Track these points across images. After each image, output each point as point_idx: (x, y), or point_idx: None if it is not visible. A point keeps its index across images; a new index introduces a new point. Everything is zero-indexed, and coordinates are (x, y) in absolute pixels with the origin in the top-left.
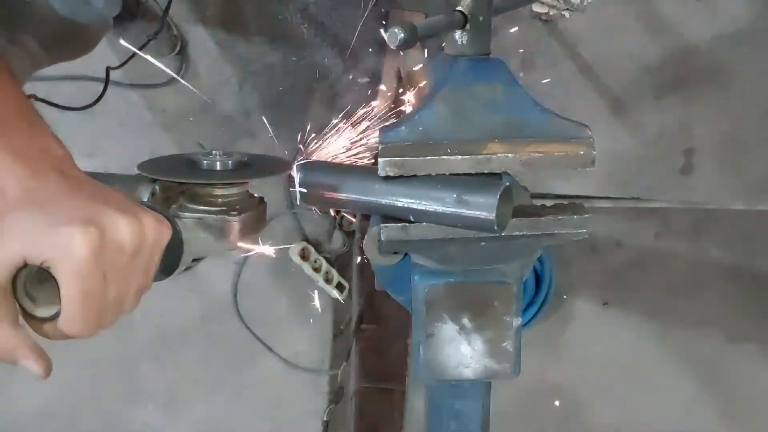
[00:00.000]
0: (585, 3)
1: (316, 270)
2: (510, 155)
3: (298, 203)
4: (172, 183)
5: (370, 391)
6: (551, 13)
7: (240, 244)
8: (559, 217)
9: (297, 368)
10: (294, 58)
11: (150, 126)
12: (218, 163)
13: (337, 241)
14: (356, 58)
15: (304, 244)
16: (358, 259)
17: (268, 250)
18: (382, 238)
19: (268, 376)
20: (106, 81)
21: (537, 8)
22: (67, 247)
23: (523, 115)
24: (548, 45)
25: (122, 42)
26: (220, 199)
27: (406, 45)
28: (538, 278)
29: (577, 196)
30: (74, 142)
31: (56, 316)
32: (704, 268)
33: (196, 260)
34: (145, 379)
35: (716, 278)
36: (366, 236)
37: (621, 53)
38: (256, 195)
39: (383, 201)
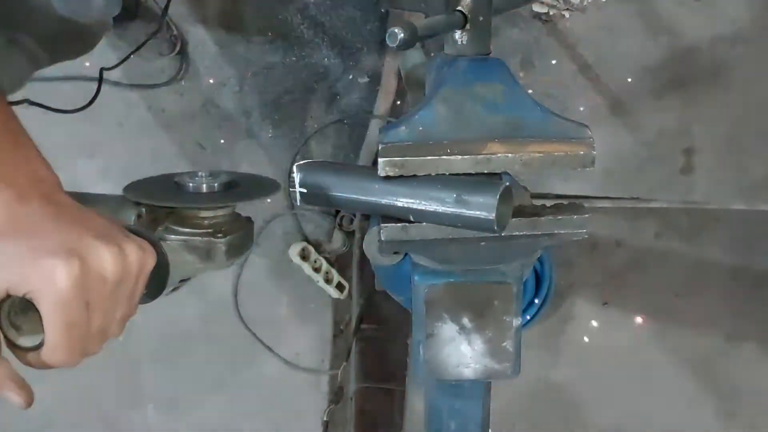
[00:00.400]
0: (585, 3)
1: (316, 270)
2: (510, 155)
3: (298, 203)
4: (160, 210)
5: (370, 391)
6: (551, 13)
7: (231, 264)
8: (559, 217)
9: (297, 368)
10: (294, 58)
11: (150, 126)
12: (204, 185)
13: (337, 241)
14: (356, 58)
15: (304, 244)
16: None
17: None
18: (382, 238)
19: (268, 376)
20: (100, 82)
21: (537, 8)
22: (49, 278)
23: (523, 115)
24: (548, 45)
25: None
26: (206, 221)
27: (406, 45)
28: (538, 278)
29: (577, 196)
30: (74, 142)
31: (40, 345)
32: (704, 268)
33: (183, 281)
34: (146, 380)
35: (716, 278)
36: (366, 236)
37: (621, 53)
38: (242, 215)
39: (383, 201)
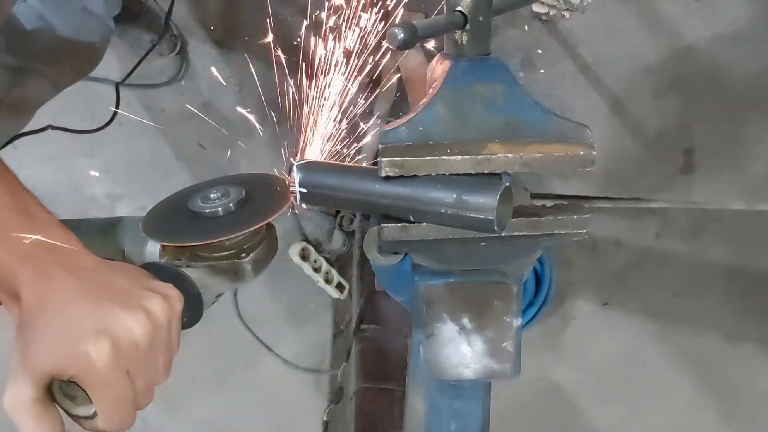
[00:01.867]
0: (585, 3)
1: (316, 270)
2: (510, 155)
3: (298, 203)
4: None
5: (370, 391)
6: (551, 13)
7: (259, 277)
8: (559, 217)
9: (297, 368)
10: (294, 58)
11: (149, 127)
12: (220, 208)
13: (337, 241)
14: (356, 58)
15: (304, 244)
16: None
17: None
18: (382, 238)
19: (268, 376)
20: (117, 98)
21: (537, 8)
22: (85, 363)
23: (523, 115)
24: (548, 45)
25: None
26: (227, 242)
27: (406, 45)
28: (538, 278)
29: (577, 196)
30: (74, 142)
31: (95, 414)
32: (704, 268)
33: (218, 295)
34: None
35: (716, 278)
36: (366, 236)
37: (621, 53)
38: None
39: (383, 201)
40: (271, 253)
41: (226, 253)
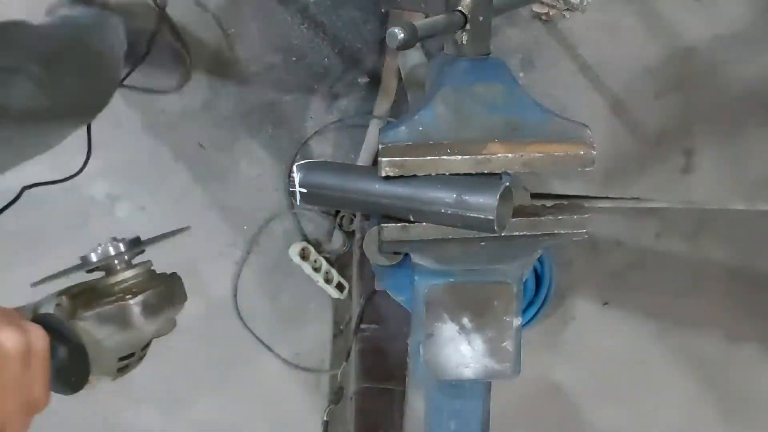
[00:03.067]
0: (585, 3)
1: (316, 270)
2: (510, 155)
3: (298, 203)
4: (77, 291)
5: (370, 391)
6: (551, 13)
7: (158, 327)
8: (559, 217)
9: (297, 368)
10: (294, 58)
11: (149, 127)
12: (110, 248)
13: (337, 241)
14: (356, 58)
15: (304, 244)
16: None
17: None
18: (382, 238)
19: (268, 376)
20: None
21: (537, 8)
22: None
23: (523, 115)
24: (548, 45)
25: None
26: (116, 287)
27: (406, 45)
28: (538, 278)
29: (577, 196)
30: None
31: None
32: (704, 268)
33: (129, 358)
34: (145, 379)
35: (716, 278)
36: (366, 236)
37: (621, 53)
38: (165, 273)
39: (383, 201)
40: (168, 299)
41: (113, 297)
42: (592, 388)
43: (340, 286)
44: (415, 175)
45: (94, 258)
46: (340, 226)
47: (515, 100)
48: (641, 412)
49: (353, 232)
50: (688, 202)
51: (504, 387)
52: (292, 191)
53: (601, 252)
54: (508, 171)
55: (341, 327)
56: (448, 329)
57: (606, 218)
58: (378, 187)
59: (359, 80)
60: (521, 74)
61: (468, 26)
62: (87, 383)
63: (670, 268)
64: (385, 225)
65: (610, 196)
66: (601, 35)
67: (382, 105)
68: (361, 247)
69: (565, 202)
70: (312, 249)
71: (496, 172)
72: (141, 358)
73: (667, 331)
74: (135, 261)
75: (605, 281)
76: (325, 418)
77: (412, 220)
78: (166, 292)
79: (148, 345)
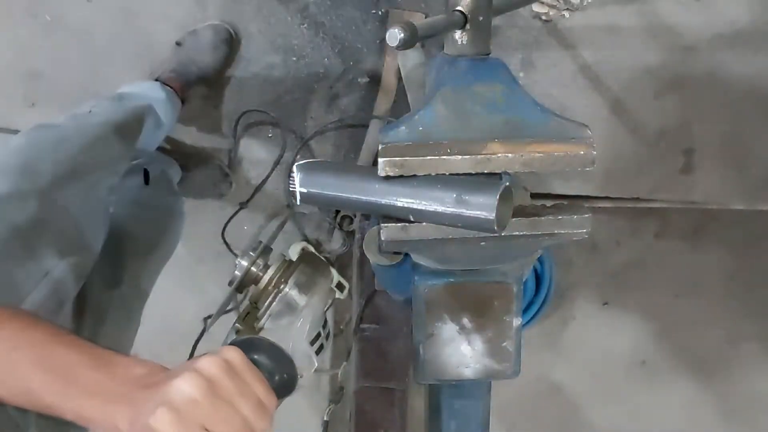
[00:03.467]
0: (585, 3)
1: None
2: (510, 155)
3: (298, 203)
4: (245, 313)
5: (370, 390)
6: (551, 13)
7: (320, 299)
8: (559, 217)
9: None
10: (294, 58)
11: None
12: (244, 262)
13: (337, 241)
14: (356, 58)
15: (304, 244)
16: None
17: None
18: (382, 238)
19: None
20: None
21: (537, 8)
22: None
23: (523, 115)
24: (548, 45)
25: None
26: (268, 288)
27: (406, 45)
28: (538, 278)
29: (577, 196)
30: None
31: None
32: (704, 268)
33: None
34: None
35: (716, 278)
36: (366, 236)
37: (621, 53)
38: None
39: (383, 201)
40: (312, 273)
41: (271, 296)
42: (592, 388)
43: (340, 286)
44: (415, 175)
45: (238, 274)
46: (340, 226)
47: (515, 100)
48: (641, 412)
49: (353, 232)
50: (688, 202)
51: (504, 387)
52: (292, 191)
53: (601, 252)
54: (508, 171)
55: (341, 327)
56: (448, 329)
57: (606, 218)
58: (378, 187)
59: (359, 80)
60: (521, 74)
61: (468, 26)
62: (298, 377)
63: (670, 268)
64: (385, 225)
65: (610, 196)
66: (601, 35)
67: (382, 105)
68: (361, 247)
69: (565, 202)
70: (312, 249)
71: (496, 172)
72: (328, 336)
73: (667, 331)
74: (270, 261)
75: (605, 281)
76: (325, 418)
77: (412, 220)
78: (308, 267)
79: (326, 322)
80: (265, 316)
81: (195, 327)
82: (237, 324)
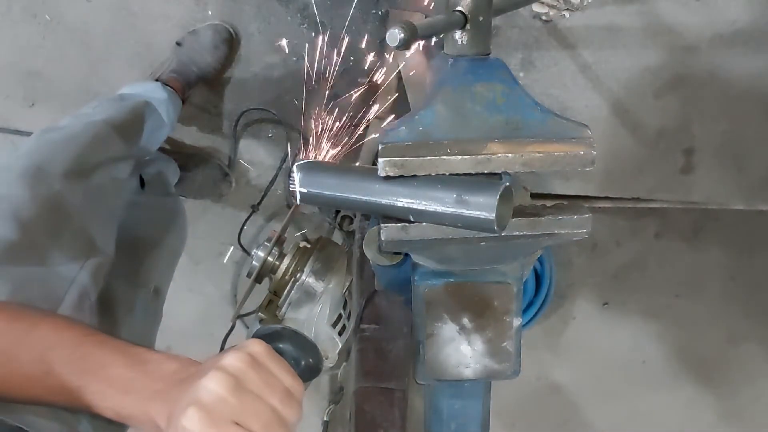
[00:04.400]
0: (585, 3)
1: None
2: (510, 155)
3: (298, 203)
4: (266, 303)
5: (370, 390)
6: (551, 13)
7: (337, 283)
8: (559, 217)
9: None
10: (294, 58)
11: None
12: (260, 252)
13: (337, 241)
14: (356, 58)
15: (304, 243)
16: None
17: None
18: (382, 238)
19: None
20: None
21: (537, 8)
22: None
23: (523, 115)
24: (548, 45)
25: None
26: (285, 277)
27: (406, 45)
28: (538, 278)
29: (577, 196)
30: None
31: None
32: (704, 268)
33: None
34: None
35: (716, 278)
36: (366, 236)
37: (621, 53)
38: (305, 243)
39: (383, 201)
40: (328, 259)
41: (289, 284)
42: (592, 388)
43: None
44: (415, 175)
45: (256, 264)
46: (340, 226)
47: (515, 100)
48: (641, 412)
49: (353, 232)
50: (688, 202)
51: (504, 387)
52: (292, 191)
53: (601, 252)
54: (508, 171)
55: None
56: (448, 329)
57: (606, 218)
58: (378, 187)
59: (359, 80)
60: (521, 74)
61: (468, 26)
62: (323, 360)
63: (670, 268)
64: (385, 225)
65: (610, 196)
66: (601, 35)
67: (382, 105)
68: (361, 247)
69: (565, 202)
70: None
71: (496, 172)
72: (348, 317)
73: (667, 331)
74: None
75: (605, 281)
76: (325, 418)
77: (412, 220)
78: (322, 253)
79: (346, 303)
80: (286, 305)
81: (195, 326)
82: (260, 313)
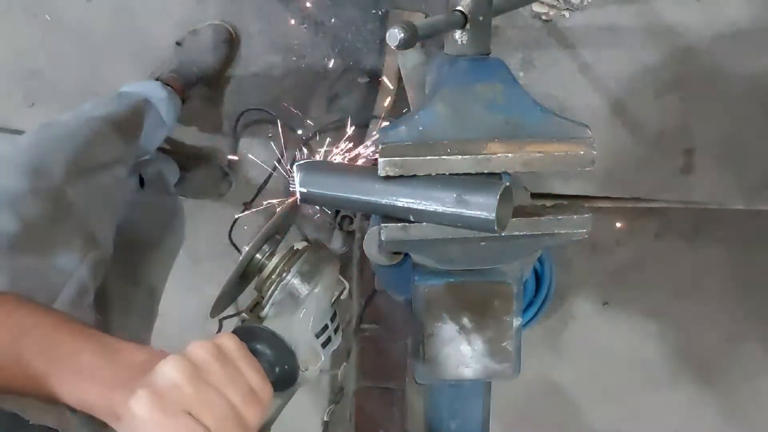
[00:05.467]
0: (585, 3)
1: None
2: (510, 155)
3: (298, 203)
4: (252, 304)
5: (370, 390)
6: (551, 13)
7: (325, 288)
8: (559, 217)
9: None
10: (294, 58)
11: None
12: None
13: (337, 241)
14: (356, 58)
15: (304, 244)
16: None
17: None
18: (382, 238)
19: None
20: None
21: (537, 8)
22: (130, 418)
23: (523, 115)
24: (548, 45)
25: None
26: (272, 277)
27: (406, 45)
28: (538, 278)
29: (577, 196)
30: None
31: None
32: (704, 268)
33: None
34: None
35: (716, 278)
36: (366, 236)
37: (621, 53)
38: (299, 244)
39: (383, 201)
40: (317, 262)
41: (274, 284)
42: (592, 388)
43: None
44: (415, 175)
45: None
46: (340, 226)
47: (515, 99)
48: (641, 412)
49: (353, 232)
50: (688, 202)
51: (504, 387)
52: (292, 191)
53: (601, 252)
54: (508, 171)
55: (341, 326)
56: (448, 329)
57: (606, 218)
58: (378, 187)
59: (359, 80)
60: (521, 74)
61: (468, 26)
62: (299, 370)
63: (670, 268)
64: (385, 225)
65: (610, 196)
66: (601, 35)
67: (382, 105)
68: (361, 247)
69: (565, 202)
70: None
71: (496, 171)
72: (336, 330)
73: (667, 331)
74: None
75: (605, 281)
76: (325, 418)
77: (412, 220)
78: (312, 256)
79: (335, 315)
80: (268, 306)
81: (193, 327)
82: (244, 314)
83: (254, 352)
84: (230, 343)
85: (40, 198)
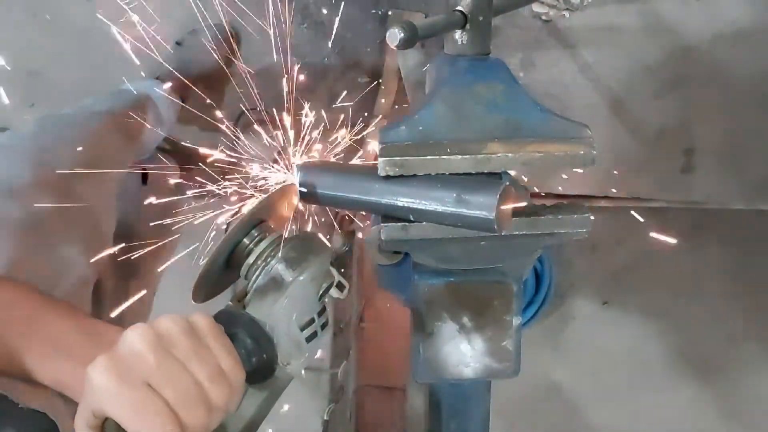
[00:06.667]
0: (585, 3)
1: None
2: (510, 155)
3: (298, 203)
4: (241, 294)
5: (370, 389)
6: (551, 13)
7: (312, 278)
8: (559, 217)
9: None
10: (294, 58)
11: None
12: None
13: (337, 241)
14: (356, 58)
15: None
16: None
17: None
18: (383, 238)
19: None
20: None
21: (537, 8)
22: (89, 386)
23: (523, 115)
24: (548, 45)
25: None
26: (258, 263)
27: (406, 45)
28: (538, 278)
29: (577, 196)
30: None
31: None
32: (704, 268)
33: (323, 323)
34: None
35: (716, 278)
36: (366, 236)
37: (621, 53)
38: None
39: (383, 201)
40: (304, 250)
41: (259, 270)
42: (592, 388)
43: (340, 286)
44: (415, 175)
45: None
46: (340, 226)
47: (515, 99)
48: (641, 412)
49: (353, 232)
50: (688, 202)
51: (504, 387)
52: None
53: (601, 252)
54: (508, 171)
55: (341, 326)
56: (448, 328)
57: (606, 218)
58: (378, 187)
59: (359, 80)
60: (521, 74)
61: (468, 26)
62: (278, 360)
63: (670, 268)
64: (385, 225)
65: (610, 196)
66: (601, 35)
67: (382, 105)
68: (361, 247)
69: (565, 202)
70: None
71: (496, 171)
72: (324, 325)
73: (667, 331)
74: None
75: (605, 281)
76: (325, 418)
77: (412, 219)
78: (300, 243)
79: (324, 311)
80: (252, 290)
81: None
82: (230, 302)
83: (231, 337)
84: (202, 320)
85: (45, 186)
